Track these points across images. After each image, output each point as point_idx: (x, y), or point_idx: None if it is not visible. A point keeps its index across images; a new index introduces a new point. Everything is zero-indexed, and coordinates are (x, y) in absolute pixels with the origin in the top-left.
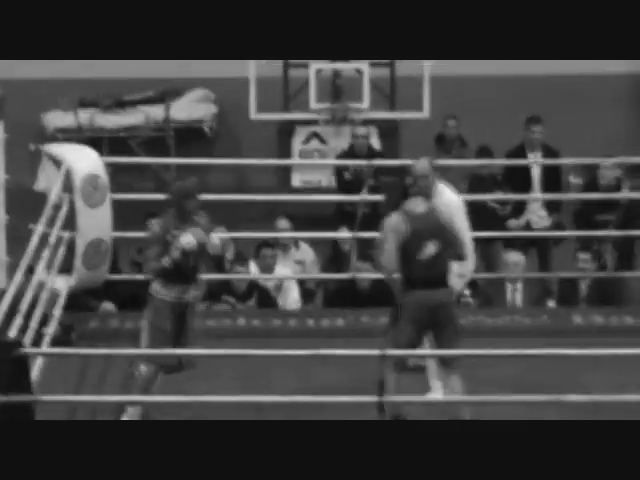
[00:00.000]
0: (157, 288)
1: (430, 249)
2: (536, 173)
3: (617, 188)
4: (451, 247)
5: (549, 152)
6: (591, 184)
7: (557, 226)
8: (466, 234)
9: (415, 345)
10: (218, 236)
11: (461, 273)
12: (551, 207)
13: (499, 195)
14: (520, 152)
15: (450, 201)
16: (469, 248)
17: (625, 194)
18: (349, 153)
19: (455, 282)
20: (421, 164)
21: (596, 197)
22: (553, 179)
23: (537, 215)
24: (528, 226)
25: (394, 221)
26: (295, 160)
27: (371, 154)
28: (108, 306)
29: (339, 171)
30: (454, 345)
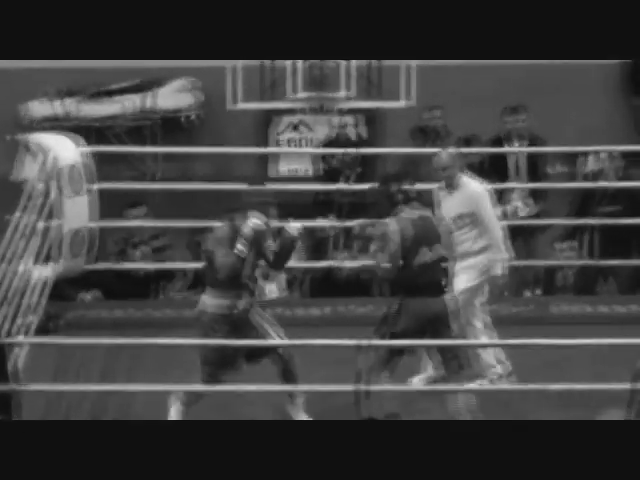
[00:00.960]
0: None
1: (425, 255)
2: (512, 162)
3: (604, 178)
4: (445, 252)
5: (534, 141)
6: (598, 174)
7: (539, 214)
8: (495, 222)
9: (406, 351)
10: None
11: (496, 259)
12: (535, 195)
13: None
14: (500, 141)
15: (475, 191)
16: (499, 236)
17: (615, 183)
18: (334, 141)
19: (495, 268)
20: (444, 156)
21: (579, 186)
22: (534, 168)
23: (519, 204)
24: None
25: (399, 225)
26: (277, 148)
27: (356, 142)
28: (89, 295)
29: (325, 159)
30: (452, 351)
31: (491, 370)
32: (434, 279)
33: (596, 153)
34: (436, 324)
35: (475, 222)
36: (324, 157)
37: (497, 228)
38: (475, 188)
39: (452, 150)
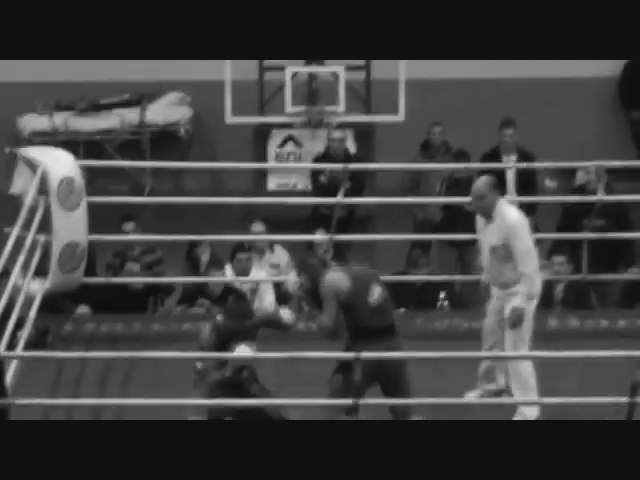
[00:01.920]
0: None
1: (377, 291)
2: (510, 176)
3: (592, 192)
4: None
5: (524, 156)
6: (582, 189)
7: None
8: (527, 255)
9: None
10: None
11: (528, 293)
12: (526, 210)
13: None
14: (494, 155)
15: (509, 222)
16: (531, 269)
17: (600, 197)
18: (325, 156)
19: (520, 301)
20: (479, 184)
21: (572, 200)
22: (528, 182)
23: None
24: None
25: (333, 279)
26: (271, 164)
27: (347, 158)
28: (83, 309)
29: (315, 175)
30: (405, 393)
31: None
32: (388, 318)
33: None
34: (388, 368)
35: (510, 253)
36: (314, 173)
37: (529, 261)
38: (509, 218)
39: (487, 178)
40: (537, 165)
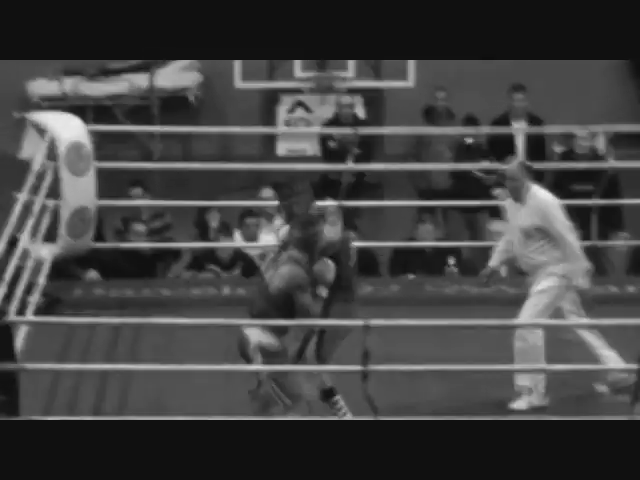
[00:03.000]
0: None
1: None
2: (520, 141)
3: (594, 158)
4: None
5: (533, 120)
6: (569, 153)
7: None
8: (567, 233)
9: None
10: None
11: (575, 269)
12: (535, 176)
13: (484, 164)
14: (504, 121)
15: (543, 203)
16: (575, 246)
17: (600, 164)
18: (334, 122)
19: (577, 278)
20: (510, 167)
21: (573, 167)
22: (537, 148)
23: None
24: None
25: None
26: (280, 128)
27: (356, 123)
28: (93, 274)
29: (324, 140)
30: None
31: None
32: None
33: (589, 134)
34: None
35: (546, 235)
36: (323, 139)
37: (571, 238)
38: (543, 200)
39: (519, 161)
40: (546, 130)
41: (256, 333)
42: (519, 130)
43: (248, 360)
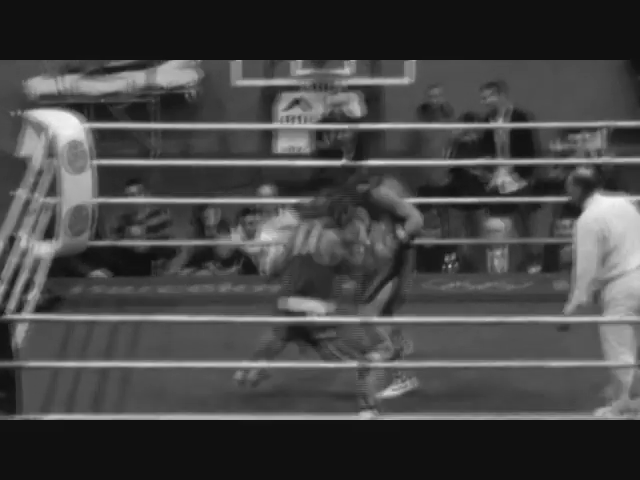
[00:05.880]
0: None
1: None
2: (500, 139)
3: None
4: None
5: (518, 116)
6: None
7: (534, 191)
8: (580, 261)
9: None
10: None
11: (579, 295)
12: (522, 172)
13: (476, 161)
14: (486, 120)
15: (579, 221)
16: (580, 274)
17: (599, 159)
18: (326, 120)
19: (569, 307)
20: (569, 177)
21: (573, 163)
22: (524, 144)
23: (506, 180)
24: (497, 191)
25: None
26: (278, 125)
27: (347, 121)
28: (99, 272)
29: (318, 138)
30: None
31: None
32: None
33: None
34: None
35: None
36: (319, 136)
37: (580, 267)
38: (581, 219)
39: (576, 173)
40: (533, 125)
41: (313, 305)
42: (503, 127)
43: (309, 339)
